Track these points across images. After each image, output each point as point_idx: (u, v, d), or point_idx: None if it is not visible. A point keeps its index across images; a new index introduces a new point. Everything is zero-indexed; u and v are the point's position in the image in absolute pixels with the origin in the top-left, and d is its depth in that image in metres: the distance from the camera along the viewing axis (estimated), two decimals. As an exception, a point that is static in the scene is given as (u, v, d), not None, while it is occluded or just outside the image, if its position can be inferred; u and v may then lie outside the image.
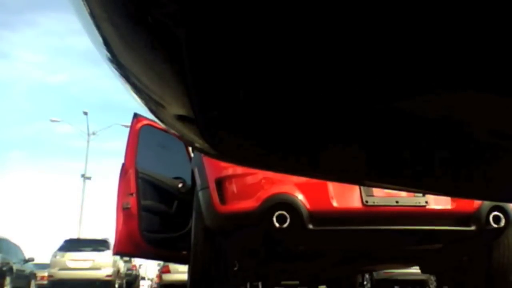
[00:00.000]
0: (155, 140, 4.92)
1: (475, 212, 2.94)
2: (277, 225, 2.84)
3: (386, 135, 0.58)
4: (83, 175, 25.46)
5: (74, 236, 20.39)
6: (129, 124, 4.96)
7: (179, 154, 5.05)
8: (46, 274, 15.78)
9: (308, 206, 2.88)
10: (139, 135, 4.77)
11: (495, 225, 2.89)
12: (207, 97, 0.53)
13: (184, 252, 4.48)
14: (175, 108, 0.59)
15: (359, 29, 0.43)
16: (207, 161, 3.25)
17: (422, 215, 2.95)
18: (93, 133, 25.55)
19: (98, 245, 15.38)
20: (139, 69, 0.55)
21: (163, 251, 4.77)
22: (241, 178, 3.09)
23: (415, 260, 4.07)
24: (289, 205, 2.87)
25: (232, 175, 3.11)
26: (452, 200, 2.96)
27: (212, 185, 3.13)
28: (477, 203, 2.95)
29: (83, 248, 15.21)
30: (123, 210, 4.59)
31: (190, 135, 0.64)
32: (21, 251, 14.29)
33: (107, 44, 0.54)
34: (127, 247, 4.67)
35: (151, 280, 32.95)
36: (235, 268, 3.87)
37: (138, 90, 0.60)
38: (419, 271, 4.32)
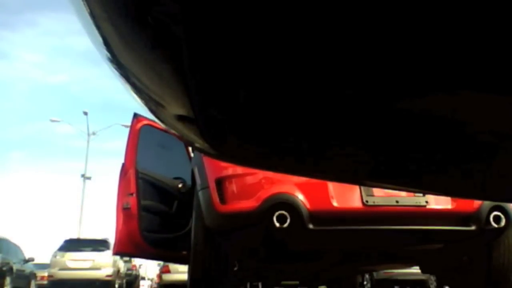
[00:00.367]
0: (155, 140, 4.92)
1: (475, 212, 2.94)
2: (277, 225, 2.84)
3: (386, 135, 0.58)
4: (83, 175, 25.46)
5: (74, 236, 20.40)
6: (129, 124, 4.96)
7: (179, 154, 5.05)
8: (46, 274, 15.78)
9: (308, 206, 2.88)
10: (139, 135, 4.77)
11: (495, 225, 2.89)
12: (207, 97, 0.53)
13: (184, 252, 4.48)
14: (175, 108, 0.59)
15: (359, 29, 0.43)
16: (207, 161, 3.25)
17: (422, 215, 2.95)
18: (93, 133, 25.56)
19: (98, 245, 15.38)
20: (139, 69, 0.55)
21: (163, 251, 4.77)
22: (241, 178, 3.09)
23: (415, 260, 4.07)
24: (289, 205, 2.87)
25: (232, 175, 3.11)
26: (452, 200, 2.96)
27: (212, 185, 3.13)
28: (477, 203, 2.95)
29: (83, 248, 15.21)
30: (123, 210, 4.59)
31: (190, 135, 0.64)
32: (21, 251, 14.29)
33: (107, 44, 0.54)
34: (127, 247, 4.67)
35: (151, 280, 32.96)
36: (235, 268, 3.87)
37: (138, 90, 0.60)
38: (419, 271, 4.32)
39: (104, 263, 14.89)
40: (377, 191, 2.94)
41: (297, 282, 7.01)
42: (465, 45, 0.43)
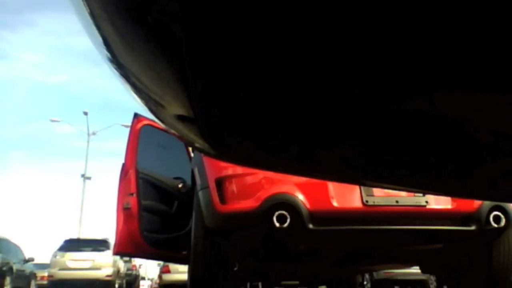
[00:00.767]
0: (155, 140, 4.92)
1: (475, 212, 2.94)
2: (277, 225, 2.84)
3: (386, 135, 0.58)
4: (83, 175, 25.46)
5: (74, 236, 20.39)
6: (129, 124, 4.96)
7: (179, 154, 5.05)
8: (46, 274, 15.78)
9: (308, 206, 2.89)
10: (139, 135, 4.77)
11: (495, 225, 2.89)
12: (207, 97, 0.53)
13: (184, 252, 4.48)
14: (175, 108, 0.59)
15: (358, 29, 0.43)
16: (207, 161, 3.25)
17: (422, 215, 2.95)
18: (93, 133, 25.55)
19: (98, 245, 15.38)
20: (139, 69, 0.55)
21: (163, 251, 4.77)
22: (241, 178, 3.09)
23: (415, 260, 4.07)
24: (289, 205, 2.87)
25: (232, 175, 3.11)
26: (452, 200, 2.96)
27: (212, 185, 3.13)
28: (477, 203, 2.95)
29: (83, 248, 15.21)
30: (124, 210, 4.59)
31: (190, 135, 0.64)
32: (21, 251, 14.28)
33: (107, 44, 0.54)
34: (127, 247, 4.67)
35: (151, 280, 32.95)
36: (235, 268, 3.87)
37: (138, 90, 0.60)
38: (419, 271, 4.32)
39: (104, 263, 14.88)
40: (377, 191, 2.94)
41: (297, 282, 7.01)
42: (465, 45, 0.43)
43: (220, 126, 0.59)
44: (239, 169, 3.06)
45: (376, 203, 2.91)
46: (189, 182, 4.44)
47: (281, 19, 0.43)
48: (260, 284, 6.90)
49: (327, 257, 3.65)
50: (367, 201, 2.91)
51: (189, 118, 0.58)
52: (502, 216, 2.90)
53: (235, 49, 0.46)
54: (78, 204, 32.70)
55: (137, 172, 4.61)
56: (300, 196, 2.90)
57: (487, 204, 2.92)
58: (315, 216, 2.89)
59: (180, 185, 4.93)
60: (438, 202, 2.95)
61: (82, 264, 14.79)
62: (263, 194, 2.93)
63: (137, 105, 0.64)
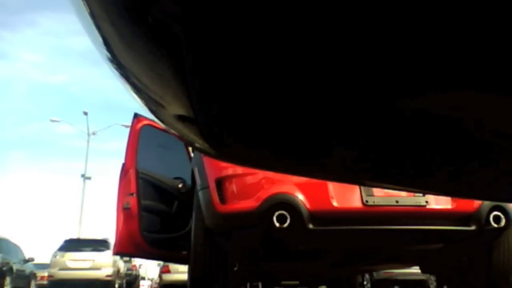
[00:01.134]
0: (155, 140, 4.92)
1: (475, 212, 2.94)
2: (277, 225, 2.84)
3: (386, 135, 0.58)
4: (83, 175, 25.46)
5: (74, 236, 20.39)
6: (129, 124, 4.97)
7: (179, 154, 5.05)
8: (46, 274, 15.77)
9: (308, 206, 2.89)
10: (139, 135, 4.77)
11: (495, 225, 2.89)
12: (207, 97, 0.53)
13: (184, 252, 4.49)
14: (175, 108, 0.59)
15: (358, 30, 0.43)
16: (207, 161, 3.25)
17: (422, 215, 2.95)
18: (93, 133, 25.55)
19: (98, 245, 15.37)
20: (139, 69, 0.55)
21: (163, 251, 4.78)
22: (241, 178, 3.09)
23: (415, 260, 4.07)
24: (289, 205, 2.87)
25: (232, 175, 3.11)
26: (452, 200, 2.96)
27: (212, 185, 3.13)
28: (477, 203, 2.95)
29: (83, 248, 15.21)
30: (124, 210, 4.59)
31: (190, 135, 0.64)
32: (21, 251, 14.28)
33: (107, 44, 0.54)
34: (127, 247, 4.67)
35: (151, 280, 32.94)
36: (235, 268, 3.87)
37: (138, 90, 0.60)
38: (419, 271, 4.32)
39: (104, 263, 14.88)
40: (377, 191, 2.94)
41: (297, 282, 7.01)
42: (465, 44, 0.43)
43: (220, 126, 0.59)
44: (239, 169, 3.06)
45: (376, 203, 2.91)
46: (189, 182, 4.45)
47: (281, 19, 0.43)
48: (260, 284, 6.90)
49: (327, 257, 3.65)
50: (367, 201, 2.91)
51: (189, 118, 0.58)
52: (502, 216, 2.90)
53: (235, 49, 0.46)
54: (78, 204, 32.71)
55: (137, 172, 4.61)
56: (300, 196, 2.90)
57: (487, 204, 2.92)
58: (315, 216, 2.89)
59: (180, 185, 4.93)
60: (438, 202, 2.95)
61: (82, 264, 14.78)
62: (263, 194, 2.93)
63: (137, 105, 0.64)
